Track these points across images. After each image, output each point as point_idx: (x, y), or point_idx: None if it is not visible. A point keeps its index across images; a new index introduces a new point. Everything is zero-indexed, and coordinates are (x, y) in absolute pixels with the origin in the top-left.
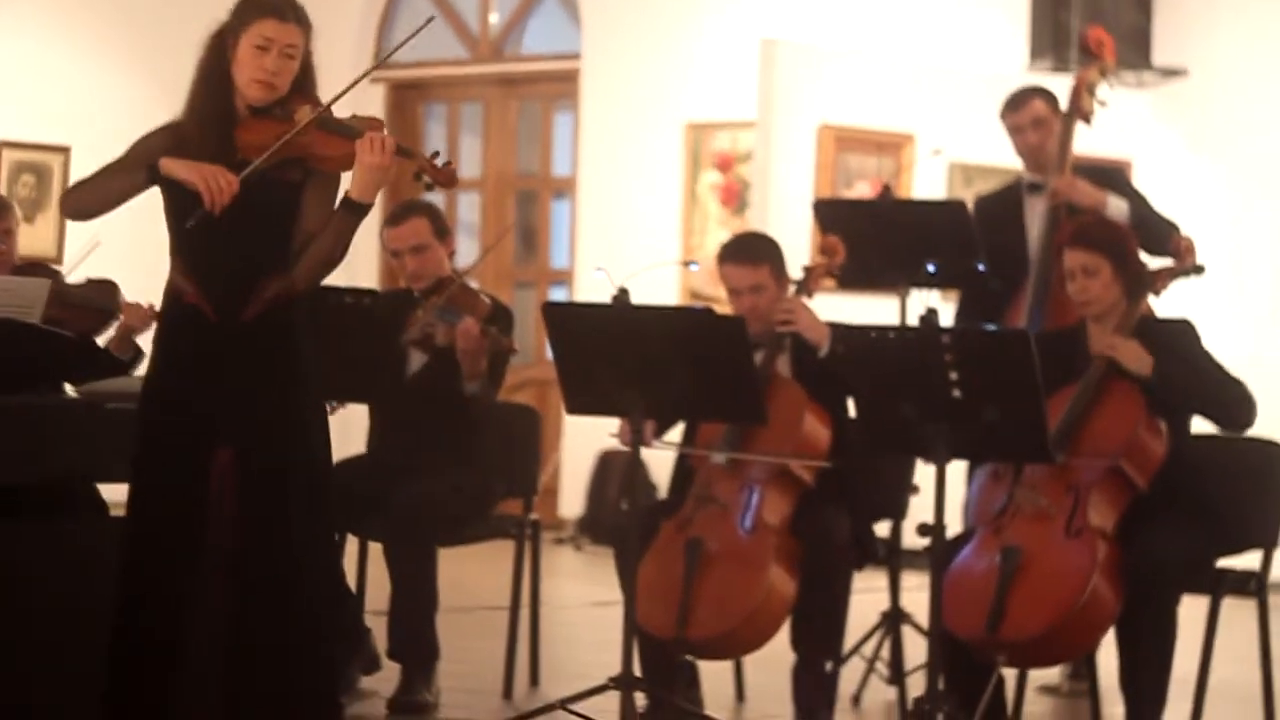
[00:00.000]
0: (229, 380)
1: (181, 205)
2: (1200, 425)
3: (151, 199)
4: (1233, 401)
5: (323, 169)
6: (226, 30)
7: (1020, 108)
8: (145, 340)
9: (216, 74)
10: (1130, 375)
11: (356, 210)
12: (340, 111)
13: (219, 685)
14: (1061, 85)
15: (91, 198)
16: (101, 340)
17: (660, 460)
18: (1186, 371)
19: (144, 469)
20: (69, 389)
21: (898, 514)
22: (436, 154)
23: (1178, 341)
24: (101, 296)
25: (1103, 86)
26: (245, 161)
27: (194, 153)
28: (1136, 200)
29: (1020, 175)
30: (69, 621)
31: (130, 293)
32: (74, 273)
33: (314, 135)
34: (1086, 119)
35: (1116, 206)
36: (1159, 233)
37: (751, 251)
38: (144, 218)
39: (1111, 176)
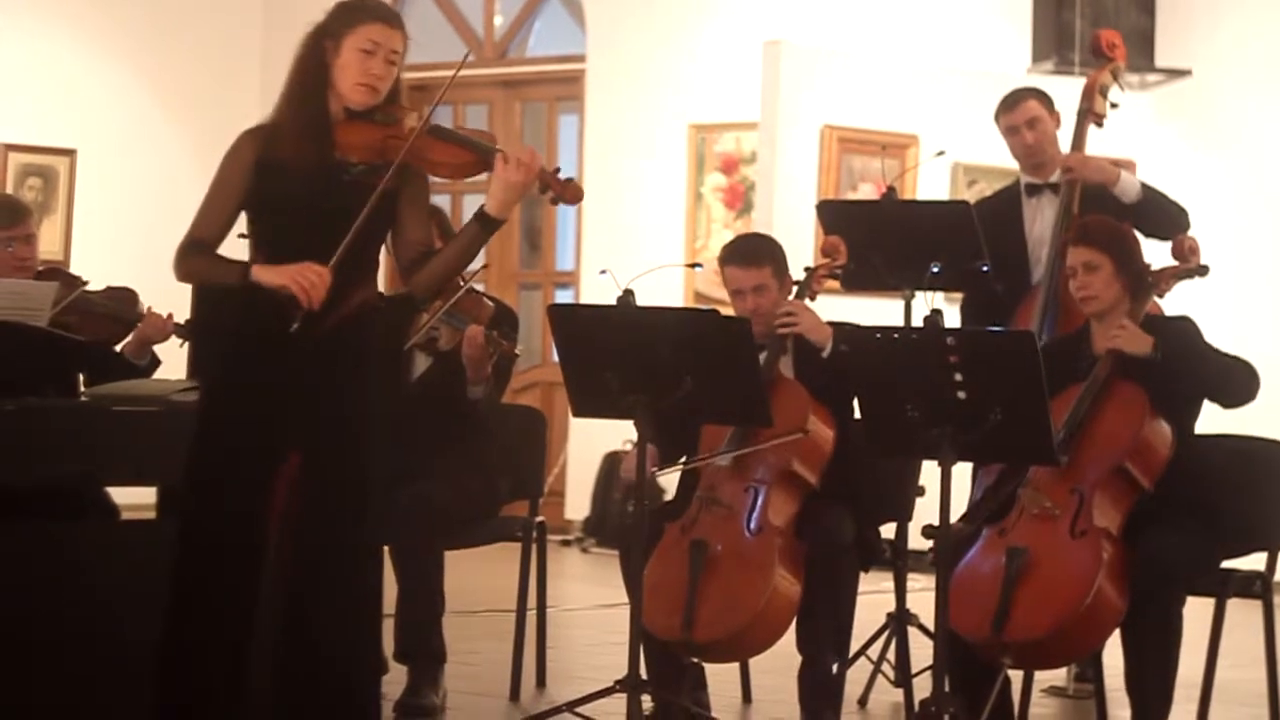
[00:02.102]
0: (304, 386)
1: (274, 234)
2: (1203, 426)
3: (172, 207)
4: (1236, 373)
5: (437, 174)
6: (326, 32)
7: (1015, 107)
8: (161, 349)
9: (315, 75)
10: (1134, 371)
11: (491, 225)
12: None
13: (275, 680)
14: (1064, 86)
15: (202, 278)
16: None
17: None
18: (1187, 348)
19: (207, 468)
20: (81, 391)
21: (903, 515)
22: (558, 170)
23: (1177, 329)
24: (122, 305)
25: (1114, 89)
26: (344, 163)
27: (289, 154)
28: (1147, 188)
29: (1019, 178)
30: (77, 624)
31: (147, 300)
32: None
33: (427, 142)
34: (1099, 121)
35: (1128, 181)
36: (1169, 216)
37: (753, 252)
38: (159, 231)
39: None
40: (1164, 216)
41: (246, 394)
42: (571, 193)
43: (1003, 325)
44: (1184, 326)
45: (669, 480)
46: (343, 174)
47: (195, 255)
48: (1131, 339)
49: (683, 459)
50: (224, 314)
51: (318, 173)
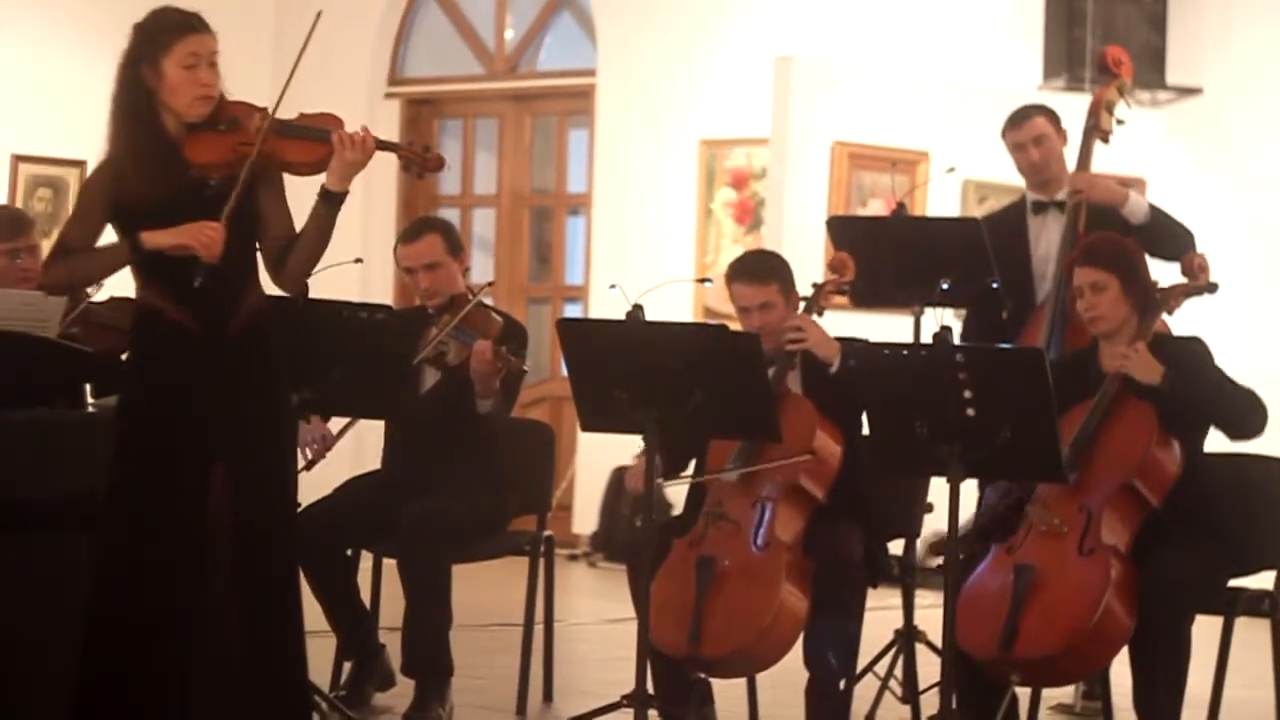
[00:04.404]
0: (219, 394)
1: (156, 265)
2: (1212, 445)
3: None
4: (1243, 409)
5: (297, 174)
6: (141, 59)
7: (1022, 124)
8: None
9: (142, 103)
10: (1143, 390)
11: (335, 200)
12: (352, 124)
13: (225, 685)
14: (1075, 104)
15: (76, 277)
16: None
17: None
18: (1197, 378)
19: (136, 490)
20: (89, 403)
21: (911, 532)
22: (411, 141)
23: (1187, 353)
24: (125, 315)
25: (1120, 105)
26: (202, 180)
27: (136, 187)
28: (1155, 210)
29: (1025, 194)
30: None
31: None
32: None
33: (277, 143)
34: (1105, 138)
35: (1136, 203)
36: (1176, 238)
37: (759, 269)
38: None
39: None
40: (1171, 238)
41: (162, 410)
42: (433, 162)
43: (1008, 343)
44: (1194, 350)
45: (676, 494)
46: (203, 191)
47: (66, 257)
48: (1142, 366)
49: (687, 472)
50: (132, 330)
51: (179, 197)
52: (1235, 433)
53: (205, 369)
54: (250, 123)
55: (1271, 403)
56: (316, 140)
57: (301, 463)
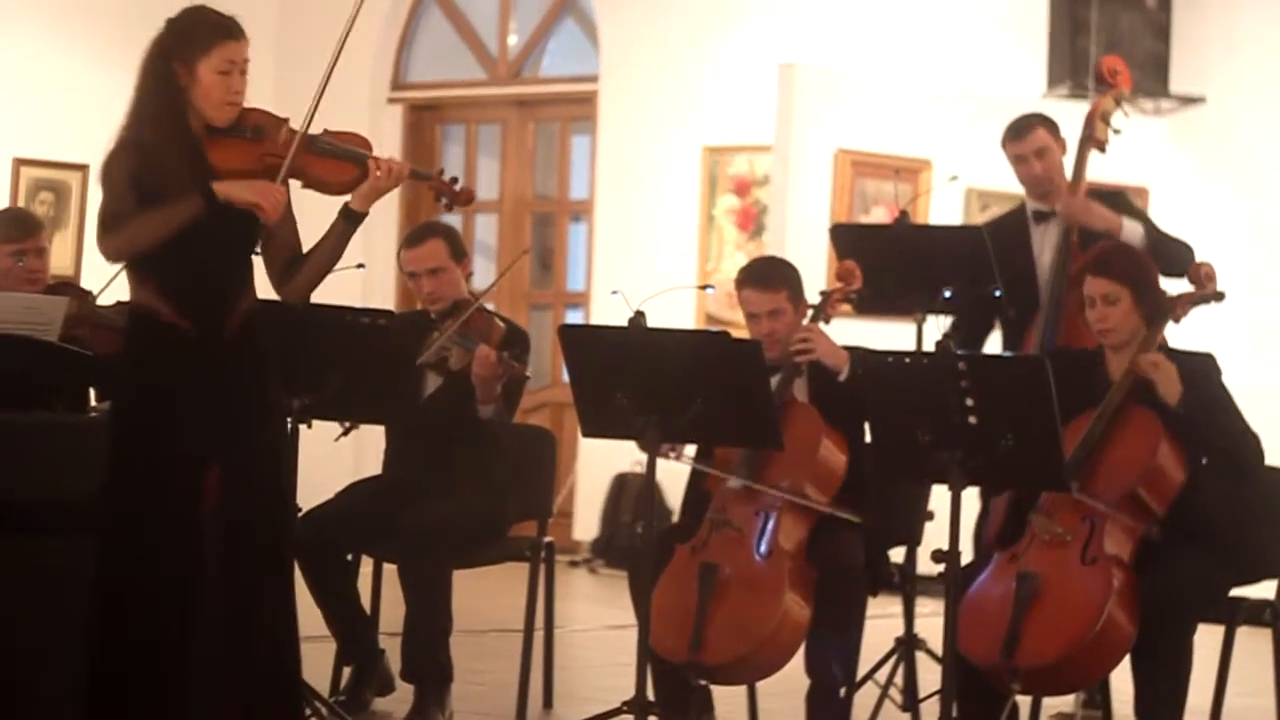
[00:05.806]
0: (214, 396)
1: (167, 264)
2: None
3: None
4: (1244, 454)
5: (325, 192)
6: (174, 55)
7: (1023, 136)
8: None
9: (173, 98)
10: (1151, 399)
11: (356, 220)
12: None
13: (221, 685)
14: (1078, 112)
15: (141, 237)
16: None
17: (675, 483)
18: (1209, 413)
19: (133, 489)
20: (93, 406)
21: (913, 540)
22: (441, 171)
23: (1200, 376)
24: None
25: (1118, 115)
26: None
27: (168, 176)
28: (1147, 224)
29: (1025, 202)
30: (81, 637)
31: None
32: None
33: (306, 158)
34: (1101, 147)
35: (1131, 229)
36: (1176, 255)
37: (769, 276)
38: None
39: (1115, 200)
40: (1170, 257)
41: (158, 411)
42: (464, 197)
43: (1012, 350)
44: (1209, 375)
45: (675, 503)
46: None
47: (124, 222)
48: (1166, 379)
49: (692, 454)
50: (127, 332)
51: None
52: (1228, 470)
53: (200, 371)
54: (277, 134)
55: (1272, 411)
56: (350, 161)
57: (341, 429)
